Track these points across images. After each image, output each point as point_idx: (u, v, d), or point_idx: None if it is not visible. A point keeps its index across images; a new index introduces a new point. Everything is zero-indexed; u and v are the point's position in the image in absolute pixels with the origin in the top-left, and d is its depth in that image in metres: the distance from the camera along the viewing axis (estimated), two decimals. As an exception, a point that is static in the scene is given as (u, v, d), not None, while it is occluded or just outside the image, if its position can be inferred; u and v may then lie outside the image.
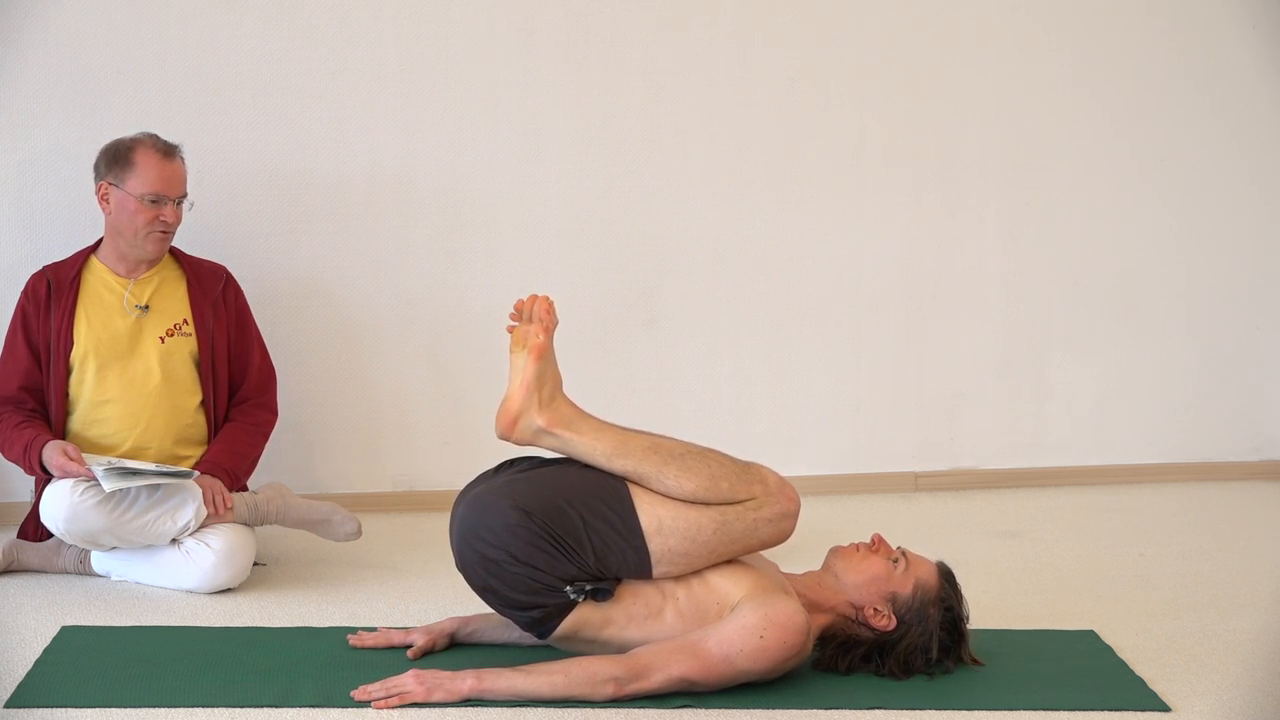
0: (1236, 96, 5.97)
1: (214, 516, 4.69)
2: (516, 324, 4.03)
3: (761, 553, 4.08)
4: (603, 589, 3.83)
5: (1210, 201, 6.06)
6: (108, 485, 4.51)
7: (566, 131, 5.68)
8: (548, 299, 4.04)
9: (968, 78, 5.88)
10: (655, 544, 3.83)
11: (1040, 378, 6.06)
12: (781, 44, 5.76)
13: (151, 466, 4.65)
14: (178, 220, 4.84)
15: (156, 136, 4.85)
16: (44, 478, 4.74)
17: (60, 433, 4.82)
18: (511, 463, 4.04)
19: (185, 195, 4.86)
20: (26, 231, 5.36)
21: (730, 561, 3.92)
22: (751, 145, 5.79)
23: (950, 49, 5.86)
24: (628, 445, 3.90)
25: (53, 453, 4.62)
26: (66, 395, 4.85)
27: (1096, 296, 6.04)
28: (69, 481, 4.61)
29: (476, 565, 3.86)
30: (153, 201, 4.78)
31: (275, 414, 5.10)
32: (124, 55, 5.38)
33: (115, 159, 4.81)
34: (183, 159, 4.88)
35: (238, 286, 5.05)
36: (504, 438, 3.98)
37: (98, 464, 4.57)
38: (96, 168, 4.86)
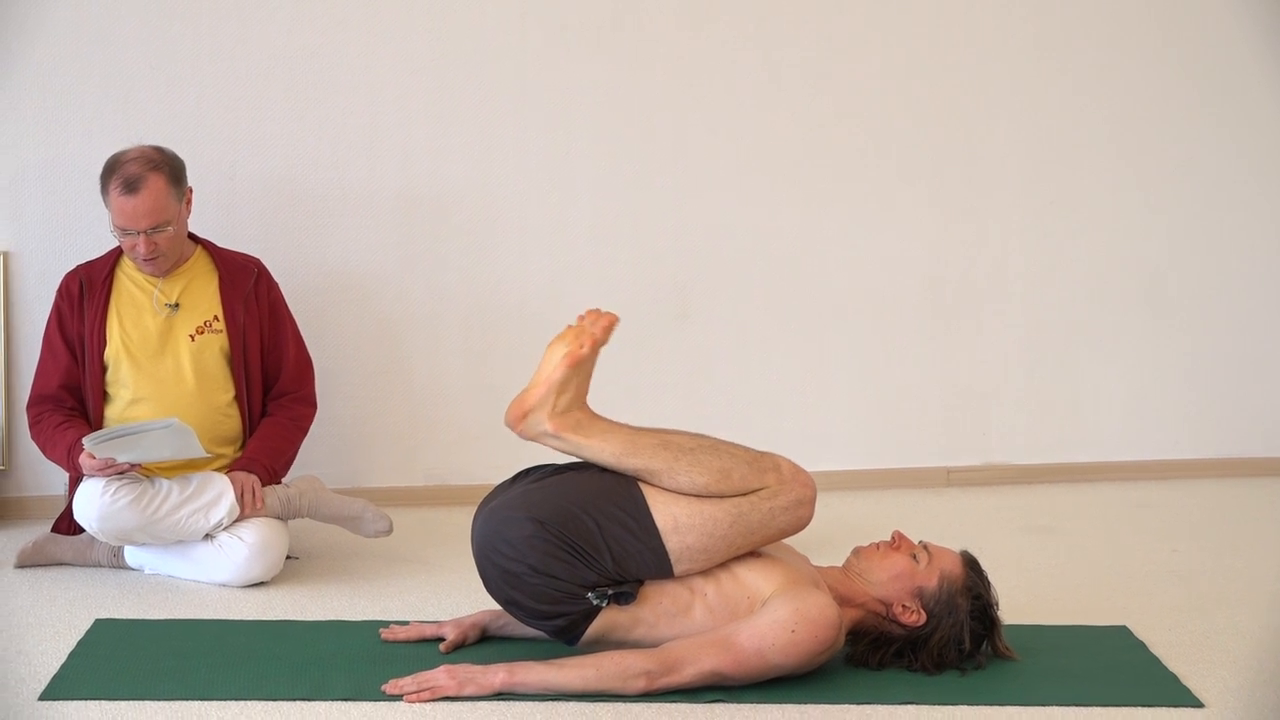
0: (1264, 93, 5.95)
1: (247, 512, 4.71)
2: (584, 324, 3.96)
3: (792, 546, 4.08)
4: (625, 592, 3.82)
5: (1238, 197, 6.04)
6: (89, 445, 4.53)
7: (598, 126, 5.69)
8: (612, 319, 3.95)
9: (994, 76, 5.88)
10: (673, 542, 3.82)
11: (1072, 373, 6.05)
12: (810, 42, 5.76)
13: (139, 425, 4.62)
14: (152, 248, 4.74)
15: (134, 162, 4.70)
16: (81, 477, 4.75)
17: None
18: (527, 472, 4.02)
19: (160, 224, 4.72)
20: (60, 227, 5.39)
21: (759, 555, 3.91)
22: (781, 142, 5.79)
23: (977, 47, 5.86)
24: (636, 444, 3.88)
25: (84, 456, 4.63)
26: (104, 393, 4.86)
27: (1126, 292, 6.03)
28: (100, 481, 4.63)
29: (497, 579, 3.86)
30: (124, 233, 4.76)
31: (314, 407, 5.10)
32: (157, 51, 5.40)
33: (101, 183, 4.76)
34: (166, 182, 4.71)
35: (271, 279, 5.04)
36: (510, 428, 3.95)
37: (94, 438, 4.58)
38: None
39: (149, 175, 4.69)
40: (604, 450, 3.89)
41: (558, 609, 3.83)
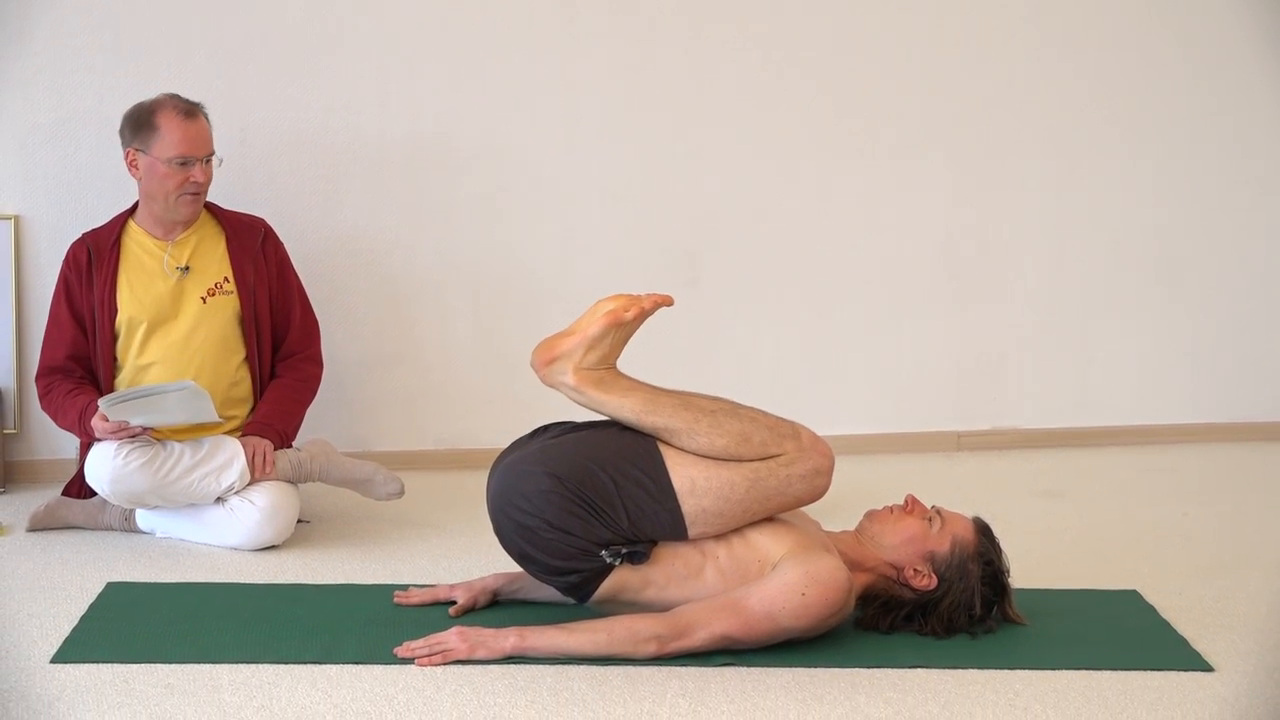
0: (1266, 74, 5.93)
1: (258, 476, 4.71)
2: (640, 294, 3.95)
3: (804, 510, 4.08)
4: (638, 551, 3.83)
5: (1252, 163, 6.03)
6: (104, 406, 4.53)
7: (610, 90, 5.67)
8: (666, 298, 3.93)
9: (1010, 44, 5.86)
10: (689, 505, 3.82)
11: (1083, 337, 6.04)
12: (827, 11, 5.73)
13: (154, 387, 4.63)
14: (208, 179, 4.80)
15: (177, 97, 4.80)
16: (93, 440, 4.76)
17: (109, 396, 4.84)
18: (545, 428, 4.03)
19: (213, 153, 4.82)
20: (72, 191, 5.38)
21: (771, 519, 3.91)
22: (794, 108, 5.77)
23: (992, 17, 5.84)
24: (657, 402, 3.88)
25: (97, 418, 4.64)
26: (114, 361, 4.86)
27: (1140, 257, 6.03)
28: (112, 444, 4.63)
29: (512, 533, 3.86)
30: (181, 164, 4.75)
31: (321, 366, 5.10)
32: (167, 13, 5.38)
33: (139, 125, 4.77)
34: (206, 116, 4.82)
35: (277, 239, 5.03)
36: (534, 369, 3.94)
37: (109, 399, 4.58)
38: (122, 134, 4.82)
39: (196, 106, 4.79)
40: (624, 406, 3.89)
41: (571, 565, 3.83)
